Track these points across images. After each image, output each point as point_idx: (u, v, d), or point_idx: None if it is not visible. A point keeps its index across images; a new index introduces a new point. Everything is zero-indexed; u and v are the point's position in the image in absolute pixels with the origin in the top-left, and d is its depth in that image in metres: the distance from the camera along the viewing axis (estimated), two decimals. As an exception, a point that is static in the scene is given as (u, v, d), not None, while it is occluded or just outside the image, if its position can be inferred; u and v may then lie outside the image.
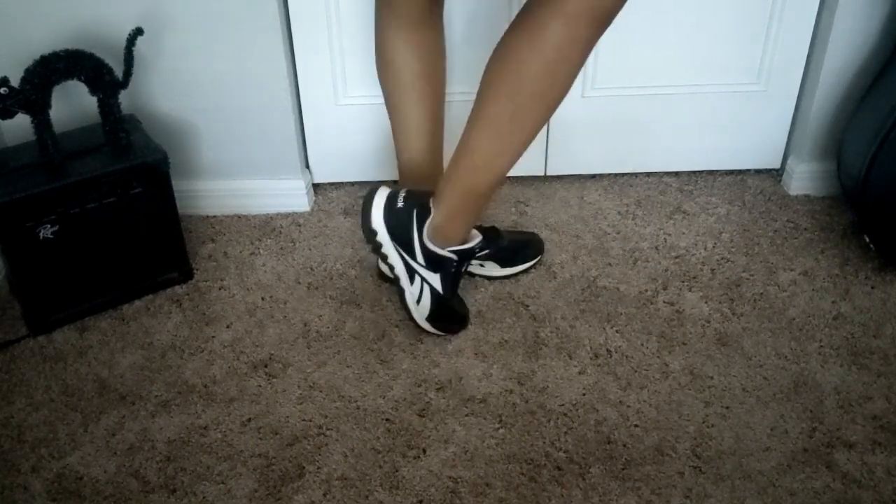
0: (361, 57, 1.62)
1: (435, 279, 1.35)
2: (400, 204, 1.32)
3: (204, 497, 1.17)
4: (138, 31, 1.40)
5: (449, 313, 1.39)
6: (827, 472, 1.18)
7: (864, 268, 1.53)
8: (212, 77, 1.57)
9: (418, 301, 1.36)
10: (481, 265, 1.50)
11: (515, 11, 1.54)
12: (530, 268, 1.53)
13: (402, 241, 1.32)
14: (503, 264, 1.51)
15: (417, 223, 1.32)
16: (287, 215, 1.71)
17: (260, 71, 1.57)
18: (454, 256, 1.34)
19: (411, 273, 1.35)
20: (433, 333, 1.39)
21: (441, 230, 1.32)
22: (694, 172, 1.79)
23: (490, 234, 1.43)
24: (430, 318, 1.37)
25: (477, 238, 1.38)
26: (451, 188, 1.29)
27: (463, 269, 1.39)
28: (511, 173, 1.76)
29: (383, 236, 1.32)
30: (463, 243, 1.35)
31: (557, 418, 1.26)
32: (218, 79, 1.57)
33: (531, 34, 1.11)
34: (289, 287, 1.52)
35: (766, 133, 1.74)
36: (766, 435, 1.23)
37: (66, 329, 1.44)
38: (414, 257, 1.33)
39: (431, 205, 1.32)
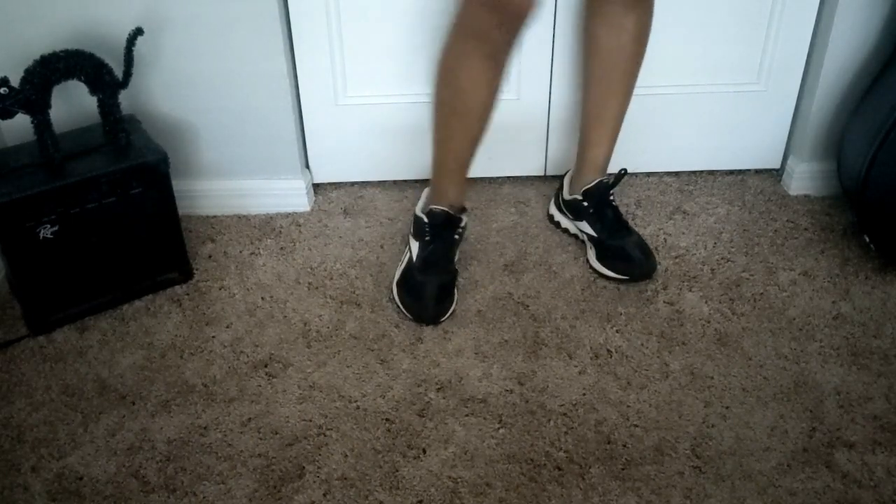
0: (361, 57, 1.62)
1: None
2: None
3: (204, 497, 1.17)
4: (138, 31, 1.40)
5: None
6: (827, 472, 1.18)
7: (864, 268, 1.53)
8: (212, 77, 1.57)
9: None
10: (584, 235, 1.58)
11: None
12: (612, 279, 1.51)
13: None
14: (598, 256, 1.53)
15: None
16: (287, 215, 1.71)
17: (260, 71, 1.57)
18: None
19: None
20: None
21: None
22: (694, 172, 1.79)
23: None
24: None
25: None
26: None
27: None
28: (511, 173, 1.79)
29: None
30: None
31: (557, 418, 1.26)
32: (218, 79, 1.57)
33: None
34: (289, 287, 1.52)
35: (766, 133, 1.74)
36: (766, 435, 1.23)
37: (66, 329, 1.44)
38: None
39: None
